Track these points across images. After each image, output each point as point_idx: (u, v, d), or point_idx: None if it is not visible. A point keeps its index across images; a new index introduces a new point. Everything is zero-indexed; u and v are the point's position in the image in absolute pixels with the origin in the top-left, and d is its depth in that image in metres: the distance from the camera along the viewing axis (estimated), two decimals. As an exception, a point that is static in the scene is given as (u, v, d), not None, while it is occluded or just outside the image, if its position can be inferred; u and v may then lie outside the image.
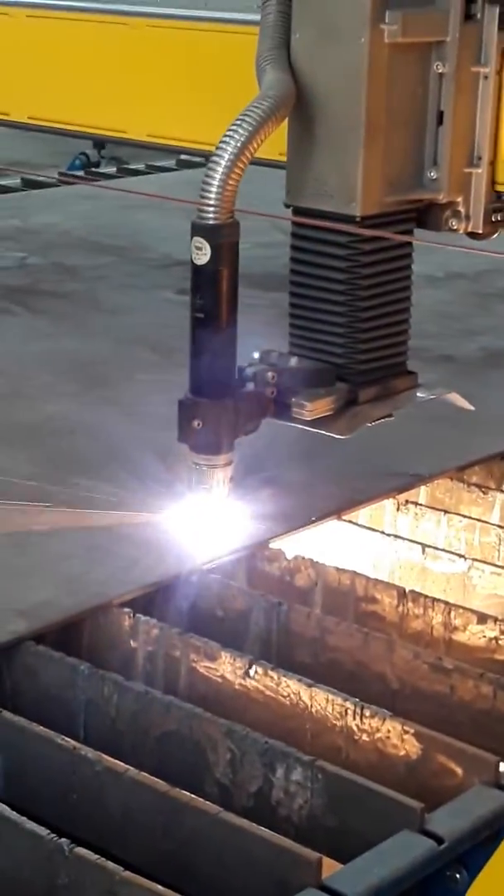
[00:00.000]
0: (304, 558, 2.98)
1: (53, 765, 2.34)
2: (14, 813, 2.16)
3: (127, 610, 2.73)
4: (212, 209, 2.86)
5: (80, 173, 8.50)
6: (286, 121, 3.02)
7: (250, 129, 2.86)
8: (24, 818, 2.14)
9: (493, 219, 3.14)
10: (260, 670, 2.54)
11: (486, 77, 3.06)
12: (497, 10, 3.03)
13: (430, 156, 3.09)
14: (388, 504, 3.30)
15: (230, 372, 2.95)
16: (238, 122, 2.87)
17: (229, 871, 2.13)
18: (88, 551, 2.94)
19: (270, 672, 2.54)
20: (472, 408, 3.29)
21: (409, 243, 3.14)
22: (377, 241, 3.05)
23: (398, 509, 3.29)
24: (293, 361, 3.08)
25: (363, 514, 3.25)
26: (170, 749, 2.43)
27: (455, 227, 3.14)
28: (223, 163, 2.85)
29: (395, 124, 3.02)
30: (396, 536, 3.15)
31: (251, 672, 2.55)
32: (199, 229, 2.86)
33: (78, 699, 2.54)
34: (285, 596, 2.87)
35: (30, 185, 7.27)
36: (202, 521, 2.97)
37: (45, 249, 5.31)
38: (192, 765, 2.40)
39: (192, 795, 2.20)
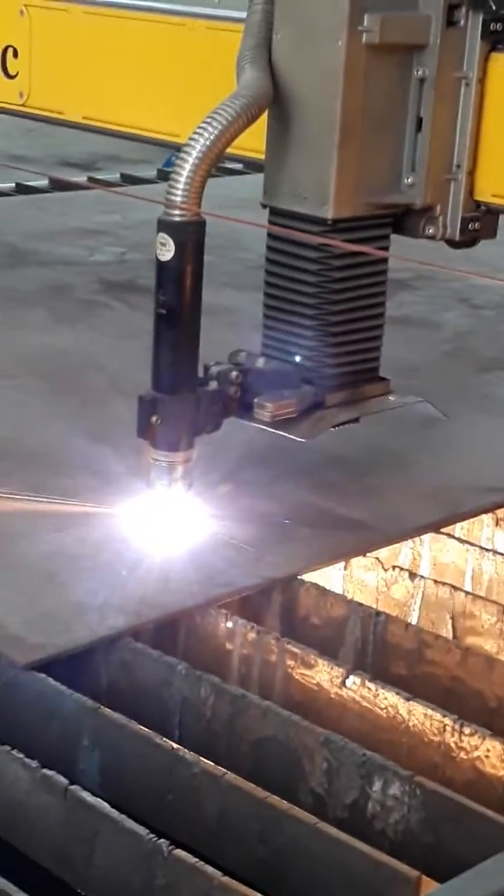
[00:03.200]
0: (401, 569, 2.96)
1: (150, 764, 2.32)
2: (114, 811, 2.15)
3: (224, 612, 2.72)
4: (178, 206, 2.85)
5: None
6: (266, 120, 3.02)
7: (220, 127, 2.85)
8: (123, 816, 2.13)
9: (471, 227, 3.11)
10: (357, 680, 2.52)
11: (467, 84, 3.04)
12: (480, 17, 3.00)
13: (409, 161, 3.06)
14: (487, 518, 3.26)
15: (192, 369, 2.94)
16: (208, 121, 2.85)
17: (324, 883, 2.11)
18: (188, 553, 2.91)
19: (368, 683, 2.51)
20: (444, 417, 3.27)
21: (386, 247, 3.12)
22: (349, 243, 3.03)
23: (497, 524, 3.25)
24: (260, 362, 3.07)
25: (460, 527, 3.21)
26: (265, 755, 2.41)
27: (431, 234, 3.12)
28: (190, 160, 2.84)
29: (372, 128, 3.00)
30: (495, 552, 3.10)
31: (348, 682, 2.53)
32: (164, 225, 2.86)
33: (174, 698, 2.52)
34: (382, 606, 2.86)
35: (128, 180, 7.31)
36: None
37: (143, 245, 5.20)
38: (287, 772, 2.37)
39: (290, 804, 2.17)
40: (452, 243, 3.15)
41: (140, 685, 2.56)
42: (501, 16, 3.00)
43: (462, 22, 3.00)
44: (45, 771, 2.25)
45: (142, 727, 2.36)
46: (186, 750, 2.30)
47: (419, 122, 3.04)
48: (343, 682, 2.53)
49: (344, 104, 2.94)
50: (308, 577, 2.91)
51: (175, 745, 2.31)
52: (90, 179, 7.51)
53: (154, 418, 2.92)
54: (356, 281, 3.07)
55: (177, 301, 2.88)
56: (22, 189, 6.97)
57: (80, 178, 7.49)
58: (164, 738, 2.34)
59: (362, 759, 2.27)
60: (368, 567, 3.00)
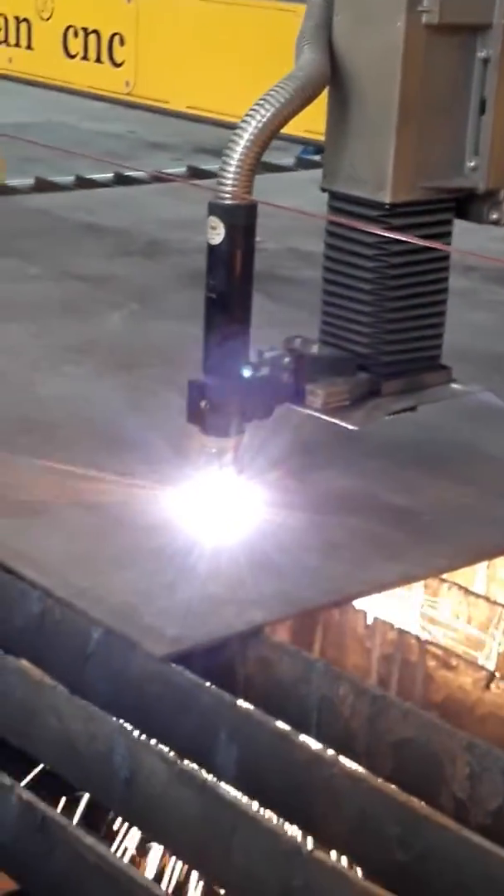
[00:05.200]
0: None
1: (289, 762, 2.28)
2: (253, 808, 2.12)
3: (363, 609, 2.68)
4: (228, 188, 2.82)
5: (316, 158, 8.46)
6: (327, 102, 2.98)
7: (273, 108, 2.81)
8: (262, 814, 2.11)
9: (537, 213, 3.02)
10: (502, 684, 2.46)
11: (532, 65, 2.95)
12: (546, -5, 2.91)
13: (472, 144, 2.99)
14: None
15: (242, 354, 2.91)
16: (261, 102, 2.82)
17: (468, 891, 2.05)
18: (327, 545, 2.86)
19: None
20: (504, 406, 3.19)
21: (448, 232, 3.05)
22: (408, 229, 2.97)
23: None
24: (314, 348, 3.02)
25: None
26: (405, 757, 2.35)
27: (496, 220, 3.04)
28: (242, 142, 2.81)
29: (433, 110, 2.93)
30: None
31: (492, 686, 2.47)
32: (214, 208, 2.83)
33: (312, 696, 2.47)
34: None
35: (266, 168, 7.27)
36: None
37: (281, 234, 5.22)
38: (428, 776, 2.30)
39: (432, 809, 2.12)
40: (517, 229, 3.07)
41: (277, 681, 2.50)
42: None
43: (527, 0, 2.92)
44: (184, 764, 2.21)
45: (282, 724, 2.30)
46: (326, 750, 2.24)
47: (482, 104, 2.96)
48: (486, 686, 2.46)
49: (403, 86, 2.88)
50: (448, 576, 2.83)
51: (314, 745, 2.26)
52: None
53: (203, 403, 2.89)
54: (415, 266, 3.01)
55: (227, 285, 2.85)
56: (156, 177, 6.96)
57: (215, 165, 7.46)
58: (304, 737, 2.28)
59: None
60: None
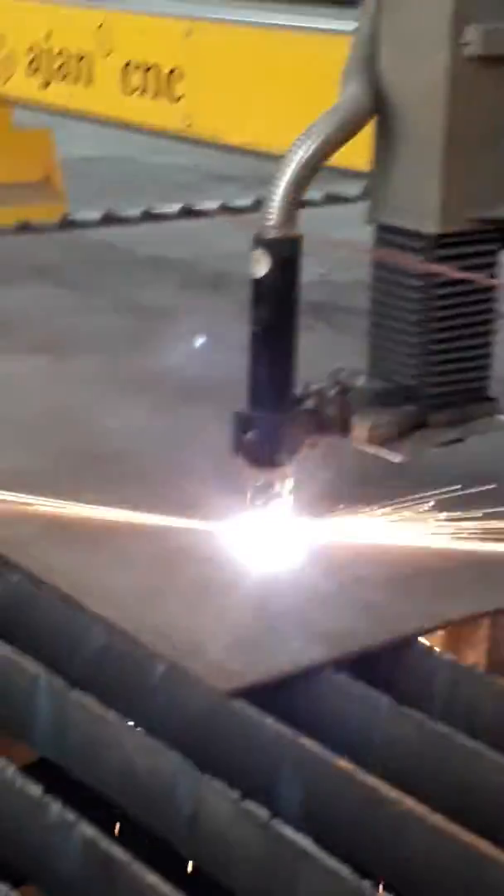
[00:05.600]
0: None
1: (354, 800, 2.26)
2: (316, 847, 2.09)
3: (427, 644, 2.66)
4: (273, 222, 2.83)
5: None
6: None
7: (317, 142, 2.83)
8: (324, 854, 2.08)
9: None
10: None
11: None
12: None
13: (519, 174, 2.99)
14: None
15: (288, 386, 2.91)
16: (305, 135, 2.84)
17: None
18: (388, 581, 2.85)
19: None
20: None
21: (493, 263, 3.04)
22: (454, 260, 2.97)
23: None
24: (361, 380, 3.02)
25: None
26: (472, 800, 2.31)
27: (543, 250, 3.03)
28: (287, 176, 2.82)
29: (479, 141, 2.93)
30: None
31: None
32: (259, 241, 2.84)
33: (377, 734, 2.45)
34: None
35: (333, 199, 7.25)
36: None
37: (346, 264, 5.09)
38: (497, 818, 2.27)
39: (500, 851, 2.09)
40: None
41: (341, 719, 2.48)
42: None
43: None
44: (247, 802, 2.20)
45: (346, 763, 2.29)
46: (392, 789, 2.22)
47: (529, 132, 2.96)
48: None
49: (448, 118, 2.88)
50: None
51: (379, 784, 2.24)
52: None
53: (249, 435, 2.90)
54: (462, 297, 3.00)
55: (272, 318, 2.86)
56: (226, 209, 6.93)
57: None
58: (368, 775, 2.26)
59: None
60: None
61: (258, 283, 2.86)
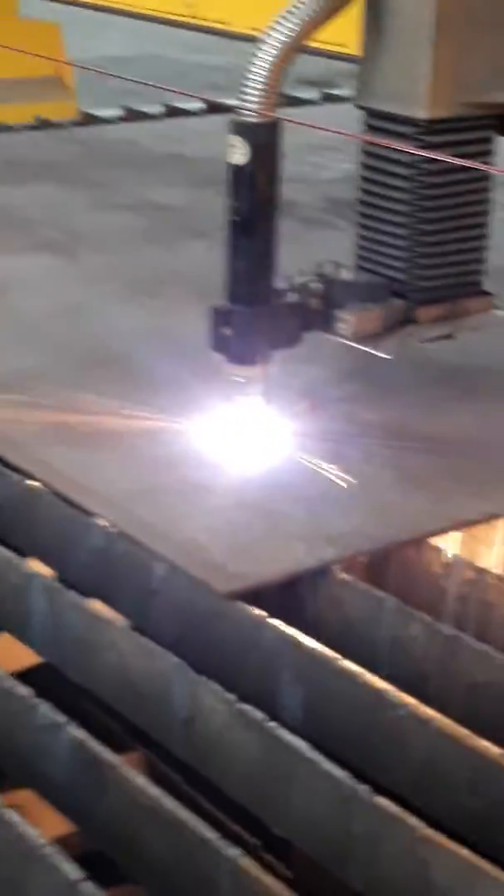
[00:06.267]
0: None
1: (356, 703, 2.19)
2: (313, 751, 2.03)
3: (441, 547, 2.56)
4: (252, 104, 2.69)
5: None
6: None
7: (299, 20, 2.68)
8: (322, 757, 2.02)
9: None
10: None
11: None
12: None
13: (514, 57, 2.83)
14: None
15: (267, 279, 2.79)
16: (285, 14, 2.69)
17: None
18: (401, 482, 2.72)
19: None
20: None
21: (489, 150, 2.90)
22: (447, 147, 2.82)
23: None
24: (345, 274, 2.89)
25: None
26: (480, 701, 2.23)
27: (540, 138, 2.88)
28: (266, 57, 2.68)
29: (472, 21, 2.78)
30: None
31: None
32: (236, 127, 2.70)
33: (383, 635, 2.37)
34: None
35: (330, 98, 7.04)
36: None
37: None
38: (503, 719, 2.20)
39: None
40: None
41: (347, 620, 2.40)
42: None
43: None
44: (242, 706, 2.12)
45: (347, 663, 2.21)
46: (393, 689, 2.14)
47: (525, 13, 2.80)
48: None
49: (439, -3, 2.73)
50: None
51: (381, 685, 2.16)
52: (325, 96, 7.22)
53: (227, 331, 2.78)
54: (454, 187, 2.86)
55: (251, 208, 2.73)
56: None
57: (315, 95, 7.21)
58: (371, 676, 2.18)
59: None
60: None
61: (236, 171, 2.73)
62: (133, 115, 6.33)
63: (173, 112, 6.52)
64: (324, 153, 5.38)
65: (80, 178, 4.95)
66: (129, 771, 2.04)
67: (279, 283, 2.82)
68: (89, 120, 6.21)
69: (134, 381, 3.09)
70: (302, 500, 2.61)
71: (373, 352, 2.84)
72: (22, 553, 2.59)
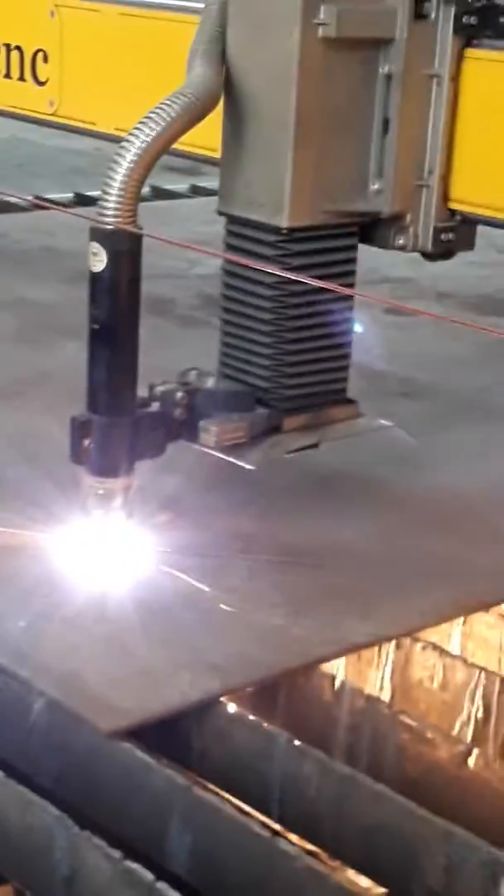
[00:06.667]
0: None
1: (248, 853, 2.04)
2: None
3: (330, 673, 2.44)
4: (111, 212, 2.63)
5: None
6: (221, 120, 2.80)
7: (158, 128, 2.62)
8: None
9: (444, 237, 2.85)
10: (481, 760, 2.23)
11: (439, 82, 2.79)
12: (452, 9, 2.74)
13: (375, 165, 2.82)
14: None
15: (129, 388, 2.72)
16: (145, 120, 2.63)
17: None
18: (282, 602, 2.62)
19: (494, 763, 2.23)
20: (414, 442, 3.01)
21: (352, 259, 2.87)
22: (309, 255, 2.80)
23: None
24: (210, 382, 2.84)
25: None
26: (377, 844, 2.11)
27: (402, 245, 2.87)
28: (125, 163, 2.62)
29: (333, 129, 2.76)
30: None
31: (469, 761, 2.24)
32: (95, 234, 2.64)
33: (274, 773, 2.23)
34: None
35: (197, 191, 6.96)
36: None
37: None
38: (402, 865, 2.07)
39: None
40: (426, 255, 2.90)
41: (236, 755, 2.27)
42: (475, 8, 2.75)
43: (432, 15, 2.76)
44: (128, 864, 1.98)
45: (238, 811, 2.09)
46: (289, 840, 2.02)
47: (386, 122, 2.79)
48: (464, 761, 2.24)
49: (299, 102, 2.71)
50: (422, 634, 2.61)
51: (276, 834, 2.03)
52: (192, 188, 7.18)
53: (87, 442, 2.70)
54: (317, 295, 2.83)
55: (111, 316, 2.66)
56: (37, 205, 6.61)
57: (183, 185, 7.16)
58: (264, 826, 2.05)
59: (487, 857, 1.96)
60: (491, 624, 2.68)
61: (95, 279, 2.66)
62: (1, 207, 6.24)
63: (38, 205, 6.43)
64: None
65: None
66: None
67: (142, 392, 2.76)
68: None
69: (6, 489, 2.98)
70: (180, 624, 2.51)
71: (238, 462, 2.78)
72: None
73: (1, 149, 9.56)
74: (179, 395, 2.78)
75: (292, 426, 2.86)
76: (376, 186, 2.81)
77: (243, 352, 2.87)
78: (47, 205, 5.26)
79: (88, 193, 6.53)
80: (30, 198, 5.84)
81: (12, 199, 5.87)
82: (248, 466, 2.79)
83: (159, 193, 6.63)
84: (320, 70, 2.71)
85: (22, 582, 2.63)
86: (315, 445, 2.89)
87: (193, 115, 2.67)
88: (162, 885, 1.94)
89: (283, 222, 2.76)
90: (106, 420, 2.69)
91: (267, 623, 2.54)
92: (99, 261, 2.64)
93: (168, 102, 2.65)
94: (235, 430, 2.79)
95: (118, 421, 2.70)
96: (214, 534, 2.80)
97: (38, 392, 3.63)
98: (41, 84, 4.86)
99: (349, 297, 2.87)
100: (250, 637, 2.49)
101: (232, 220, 2.85)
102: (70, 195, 6.63)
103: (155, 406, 2.77)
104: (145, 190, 6.54)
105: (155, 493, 2.78)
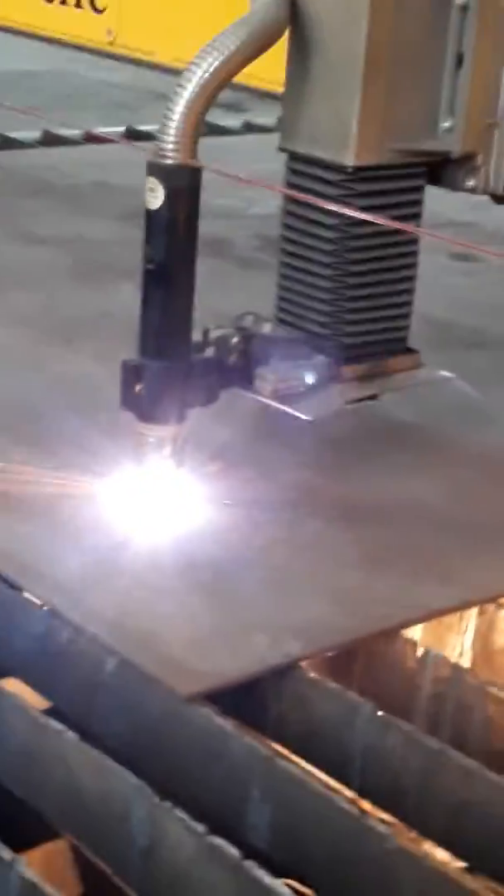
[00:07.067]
0: None
1: (333, 831, 1.94)
2: (277, 883, 1.79)
3: (412, 639, 2.34)
4: (170, 147, 2.51)
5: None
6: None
7: (220, 59, 2.49)
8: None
9: (518, 180, 2.71)
10: None
11: (517, 15, 2.63)
12: None
13: (447, 103, 2.67)
14: None
15: (183, 333, 2.60)
16: (208, 50, 2.50)
17: None
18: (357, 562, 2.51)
19: None
20: (478, 395, 2.88)
21: (419, 200, 2.74)
22: (374, 195, 2.66)
23: None
24: (267, 328, 2.72)
25: None
26: (465, 823, 2.01)
27: (472, 187, 2.73)
28: (186, 95, 2.49)
29: (404, 63, 2.62)
30: None
31: None
32: (153, 169, 2.52)
33: (355, 743, 2.13)
34: None
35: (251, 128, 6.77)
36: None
37: None
38: (493, 848, 1.98)
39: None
40: (496, 198, 2.76)
41: (316, 723, 2.17)
42: None
43: None
44: (213, 839, 1.88)
45: (324, 788, 1.98)
46: (377, 822, 1.91)
47: (459, 57, 2.65)
48: None
49: (370, 34, 2.57)
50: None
51: (363, 813, 1.92)
52: (246, 124, 6.99)
53: (138, 387, 2.59)
54: (381, 238, 2.70)
55: (167, 255, 2.55)
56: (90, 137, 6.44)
57: (236, 123, 6.97)
58: (350, 803, 1.94)
59: None
60: None
61: (152, 216, 2.54)
62: (51, 140, 6.09)
63: (92, 138, 6.28)
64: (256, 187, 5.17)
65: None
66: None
67: (196, 337, 2.64)
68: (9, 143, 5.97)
69: (60, 438, 2.84)
70: (251, 583, 2.39)
71: (294, 412, 2.67)
72: None
73: (47, 81, 9.39)
74: (234, 340, 2.67)
75: (351, 376, 2.74)
76: (447, 125, 2.67)
77: (302, 296, 2.75)
78: (101, 137, 5.12)
79: (140, 128, 6.40)
80: (81, 132, 5.71)
81: (63, 133, 5.76)
82: (304, 417, 2.67)
83: (210, 129, 6.46)
84: (393, 1, 2.57)
85: (77, 532, 2.53)
86: (375, 396, 2.77)
87: (257, 46, 2.54)
88: (249, 864, 1.83)
89: (349, 160, 2.62)
90: (158, 365, 2.58)
91: (343, 585, 2.42)
92: (156, 197, 2.52)
93: (231, 32, 2.52)
94: (292, 378, 2.67)
95: (170, 366, 2.59)
96: (274, 487, 2.69)
97: (94, 335, 3.51)
98: (99, 12, 4.74)
99: (415, 241, 2.74)
100: (327, 599, 2.37)
101: (294, 157, 2.72)
102: (121, 129, 6.48)
103: (209, 352, 2.65)
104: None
105: (207, 443, 2.67)
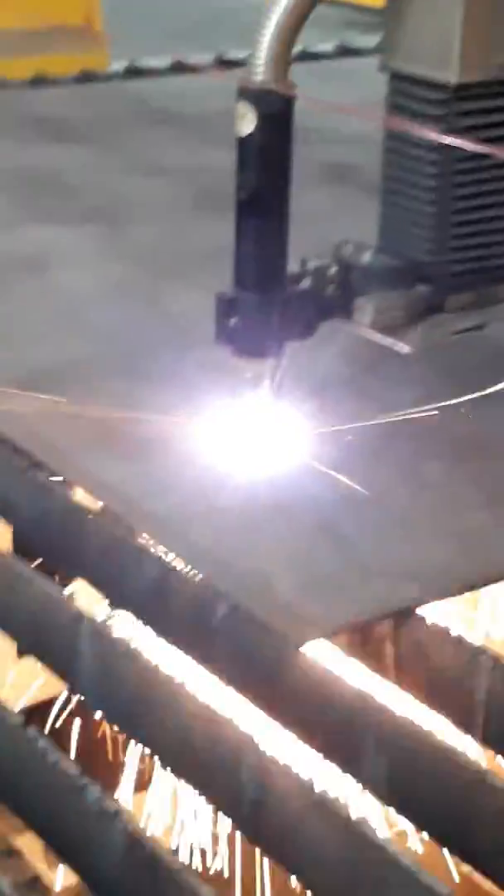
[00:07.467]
0: None
1: (451, 785, 1.92)
2: (408, 859, 1.79)
3: None
4: (261, 69, 2.41)
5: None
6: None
7: (312, -26, 2.39)
8: (417, 867, 1.78)
9: None
10: None
11: None
12: None
13: None
14: None
15: (278, 263, 2.51)
16: (297, -34, 2.40)
17: None
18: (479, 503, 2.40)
19: None
20: None
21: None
22: (478, 114, 2.54)
23: None
24: (366, 257, 2.61)
25: None
26: None
27: None
28: (276, 15, 2.39)
29: (509, -26, 2.48)
30: None
31: None
32: (244, 93, 2.42)
33: (477, 692, 2.06)
34: None
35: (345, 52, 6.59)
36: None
37: None
38: None
39: None
40: None
41: (437, 671, 2.11)
42: None
43: None
44: (325, 794, 1.87)
45: (441, 740, 1.93)
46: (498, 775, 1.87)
47: None
48: None
49: None
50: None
51: (484, 769, 1.88)
52: (340, 48, 6.78)
53: (233, 321, 2.51)
54: (486, 160, 2.57)
55: (259, 183, 2.46)
56: (308, 56, 6.32)
57: (329, 47, 6.80)
58: (471, 758, 1.90)
59: None
60: None
61: (243, 143, 2.45)
62: (178, 67, 5.99)
63: (223, 63, 6.17)
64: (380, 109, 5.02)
65: (120, 138, 4.64)
66: (192, 876, 1.82)
67: (292, 268, 2.55)
68: (129, 72, 5.90)
69: (190, 378, 2.77)
70: (363, 524, 2.30)
71: (395, 344, 2.57)
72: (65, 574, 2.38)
73: (175, 3, 9.19)
74: (333, 270, 2.57)
75: (455, 306, 2.63)
76: None
77: (404, 223, 2.64)
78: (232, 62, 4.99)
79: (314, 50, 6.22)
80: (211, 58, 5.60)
81: (191, 61, 5.66)
82: (406, 349, 2.57)
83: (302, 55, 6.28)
84: None
85: (179, 470, 2.47)
86: (480, 327, 2.65)
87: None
88: (360, 819, 1.80)
89: (452, 78, 2.50)
90: (253, 297, 2.50)
91: (464, 527, 2.32)
92: (247, 123, 2.43)
93: None
94: (393, 309, 2.57)
95: (266, 298, 2.50)
96: (382, 423, 2.58)
97: (212, 269, 3.43)
98: None
99: (523, 163, 2.61)
100: (447, 542, 2.27)
101: (395, 76, 2.60)
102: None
103: (306, 282, 2.56)
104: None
105: (306, 377, 2.58)
